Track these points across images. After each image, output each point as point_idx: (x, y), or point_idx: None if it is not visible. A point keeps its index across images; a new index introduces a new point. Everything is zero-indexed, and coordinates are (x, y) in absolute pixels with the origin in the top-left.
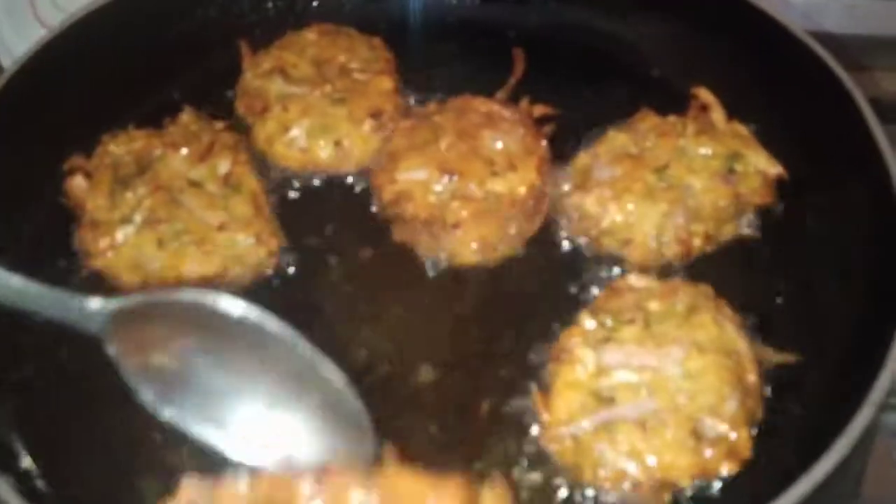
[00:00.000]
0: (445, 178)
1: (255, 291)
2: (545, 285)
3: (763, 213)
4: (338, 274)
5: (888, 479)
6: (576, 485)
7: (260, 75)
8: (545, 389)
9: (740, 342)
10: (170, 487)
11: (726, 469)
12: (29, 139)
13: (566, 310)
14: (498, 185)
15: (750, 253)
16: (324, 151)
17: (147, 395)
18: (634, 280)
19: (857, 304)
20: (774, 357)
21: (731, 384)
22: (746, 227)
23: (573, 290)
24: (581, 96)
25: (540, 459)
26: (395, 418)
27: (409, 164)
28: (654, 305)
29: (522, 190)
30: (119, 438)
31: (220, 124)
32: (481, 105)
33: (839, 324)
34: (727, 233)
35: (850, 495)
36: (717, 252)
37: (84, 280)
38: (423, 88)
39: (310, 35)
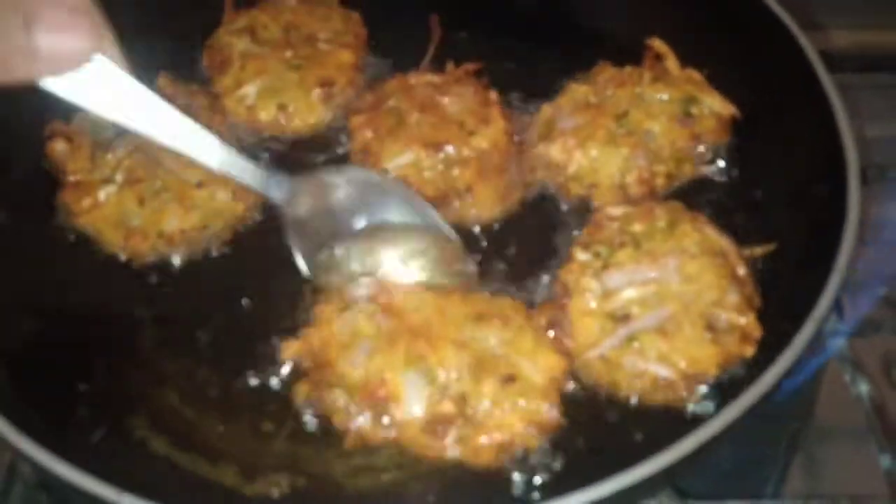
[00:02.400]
0: (432, 152)
1: (235, 243)
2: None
3: (718, 151)
4: None
5: (840, 401)
6: (617, 400)
7: (231, 32)
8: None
9: (723, 241)
10: (157, 422)
11: (746, 351)
12: (8, 106)
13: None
14: (480, 142)
15: (707, 189)
16: (267, 112)
17: (305, 262)
18: (611, 210)
19: (805, 233)
20: (755, 251)
21: (726, 278)
22: (704, 165)
23: (553, 235)
24: (540, 54)
25: (576, 386)
26: None
27: (392, 151)
28: (637, 227)
29: (502, 140)
30: (104, 380)
31: (194, 87)
32: (416, 79)
33: (790, 252)
34: (686, 171)
35: (803, 414)
36: (678, 190)
37: (70, 236)
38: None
39: (291, 1)
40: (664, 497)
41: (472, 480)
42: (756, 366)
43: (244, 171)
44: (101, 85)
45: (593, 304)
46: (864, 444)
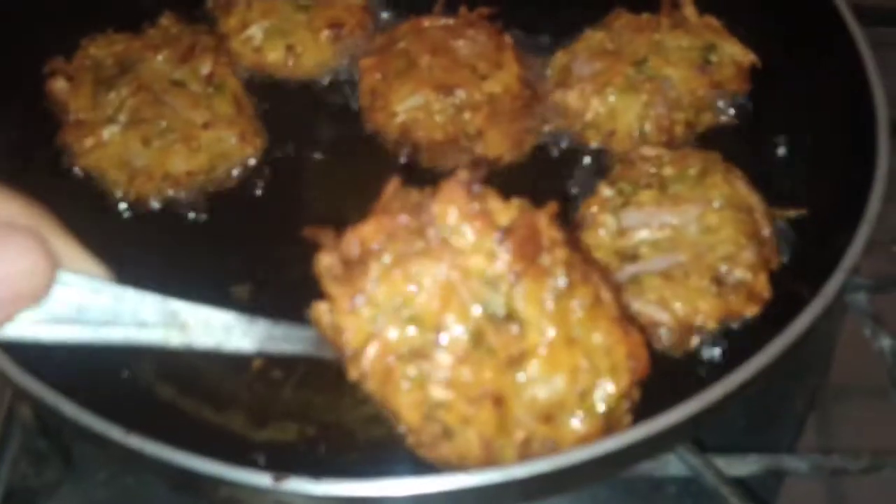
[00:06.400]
0: (442, 95)
1: (242, 187)
2: (535, 183)
3: (739, 100)
4: (322, 168)
5: (859, 357)
6: None
7: None
8: None
9: (753, 198)
10: (162, 369)
11: (750, 310)
12: (7, 43)
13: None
14: (492, 87)
15: (727, 138)
16: (275, 54)
17: None
18: (646, 150)
19: (828, 187)
20: (786, 213)
21: (747, 235)
22: (723, 114)
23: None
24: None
25: None
26: None
27: (401, 94)
28: (667, 171)
29: (515, 85)
30: None
31: (200, 27)
32: (428, 22)
33: (811, 205)
34: (706, 120)
35: (821, 369)
36: (697, 139)
37: (73, 177)
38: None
39: None
40: (683, 450)
41: None
42: (761, 327)
43: (289, 339)
44: (75, 308)
45: (605, 239)
46: (884, 399)
